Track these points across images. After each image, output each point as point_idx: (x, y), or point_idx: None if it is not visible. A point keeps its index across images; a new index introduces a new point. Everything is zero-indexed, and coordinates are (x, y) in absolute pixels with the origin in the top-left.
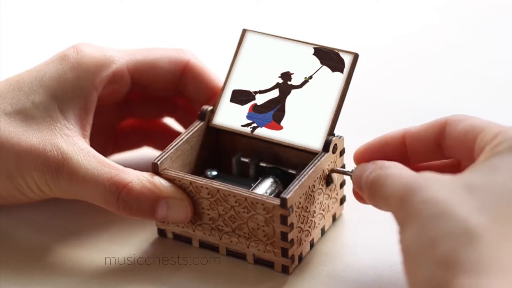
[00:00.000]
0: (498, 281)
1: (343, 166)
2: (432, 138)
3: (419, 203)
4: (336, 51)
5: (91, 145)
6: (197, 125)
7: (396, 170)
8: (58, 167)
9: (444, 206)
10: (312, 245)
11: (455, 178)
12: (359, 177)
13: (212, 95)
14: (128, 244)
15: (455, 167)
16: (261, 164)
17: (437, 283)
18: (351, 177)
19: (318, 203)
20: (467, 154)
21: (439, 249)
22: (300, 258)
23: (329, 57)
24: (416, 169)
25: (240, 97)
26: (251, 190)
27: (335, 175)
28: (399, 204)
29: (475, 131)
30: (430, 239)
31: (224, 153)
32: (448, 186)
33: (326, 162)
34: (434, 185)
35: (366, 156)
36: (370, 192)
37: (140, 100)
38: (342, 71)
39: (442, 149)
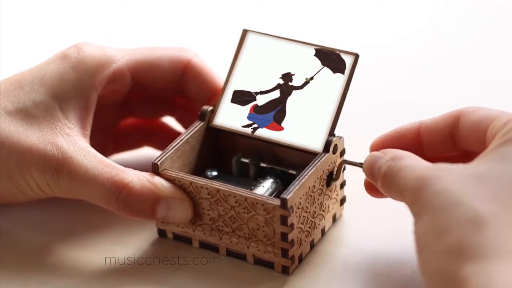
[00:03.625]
0: (505, 266)
1: (344, 167)
2: (446, 130)
3: (432, 195)
4: (337, 52)
5: (91, 145)
6: (198, 125)
7: (409, 162)
8: (58, 166)
9: (455, 196)
10: (312, 245)
11: (466, 168)
12: (371, 167)
13: (213, 95)
14: (128, 244)
15: (468, 159)
16: (261, 164)
17: (448, 271)
18: (362, 169)
19: (318, 204)
20: (480, 144)
21: (449, 238)
22: (300, 259)
23: (330, 58)
24: (431, 160)
25: (241, 97)
26: (251, 190)
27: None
28: (413, 196)
29: (487, 121)
30: (441, 228)
31: (224, 154)
32: (458, 176)
33: (327, 162)
34: (446, 176)
35: (381, 148)
36: (384, 184)
37: (140, 100)
38: (343, 72)
39: (455, 140)
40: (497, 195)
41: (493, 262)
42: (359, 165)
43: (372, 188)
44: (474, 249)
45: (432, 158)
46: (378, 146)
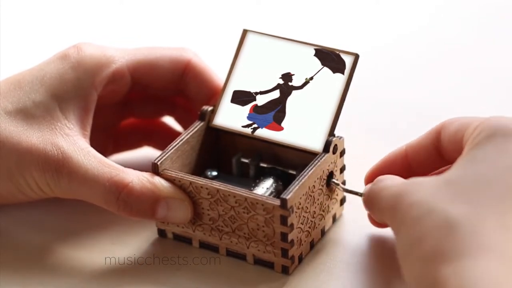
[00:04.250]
0: (479, 261)
1: (344, 167)
2: (431, 146)
3: (406, 208)
4: (337, 52)
5: (91, 145)
6: (197, 125)
7: (387, 182)
8: (58, 166)
9: (427, 204)
10: (312, 245)
11: (438, 178)
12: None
13: (213, 95)
14: (128, 244)
15: None
16: (261, 164)
17: (428, 276)
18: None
19: (318, 204)
20: (460, 153)
21: (425, 245)
22: (300, 259)
23: (330, 58)
24: None
25: (241, 97)
26: (251, 190)
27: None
28: (391, 213)
29: (462, 129)
30: (417, 237)
31: (224, 154)
32: (429, 186)
33: (327, 162)
34: (419, 188)
35: (374, 178)
36: (368, 207)
37: (140, 100)
38: (343, 72)
39: (442, 154)
40: (466, 196)
41: (467, 260)
42: (359, 194)
43: (372, 220)
44: (448, 251)
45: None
46: (372, 177)
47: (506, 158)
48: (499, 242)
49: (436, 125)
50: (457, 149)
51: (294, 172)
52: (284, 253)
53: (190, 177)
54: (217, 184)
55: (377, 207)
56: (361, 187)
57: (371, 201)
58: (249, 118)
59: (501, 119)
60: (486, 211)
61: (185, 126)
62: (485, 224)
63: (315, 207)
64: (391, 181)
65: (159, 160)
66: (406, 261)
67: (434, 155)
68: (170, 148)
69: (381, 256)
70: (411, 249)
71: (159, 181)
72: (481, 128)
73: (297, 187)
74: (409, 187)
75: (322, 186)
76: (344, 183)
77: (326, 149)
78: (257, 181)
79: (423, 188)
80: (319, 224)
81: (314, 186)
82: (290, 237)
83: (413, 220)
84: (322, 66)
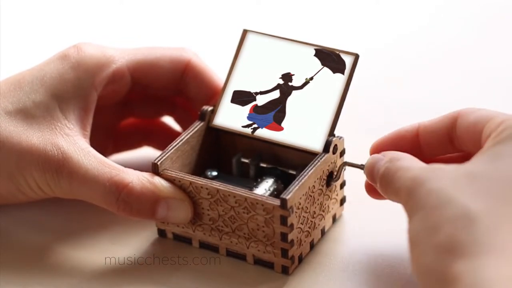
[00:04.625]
0: (494, 261)
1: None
2: (444, 131)
3: (425, 193)
4: (337, 52)
5: (91, 145)
6: (197, 125)
7: (405, 163)
8: (59, 166)
9: (446, 194)
10: (312, 245)
11: (459, 168)
12: (371, 169)
13: (213, 95)
14: (128, 244)
15: (466, 160)
16: (261, 164)
17: (439, 268)
18: (363, 171)
19: (318, 204)
20: (476, 145)
21: (441, 235)
22: (300, 259)
23: (330, 58)
24: (429, 162)
25: (241, 97)
26: (251, 190)
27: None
28: (407, 195)
29: (483, 121)
30: (433, 226)
31: (224, 154)
32: (451, 175)
33: (326, 162)
34: (439, 175)
35: (381, 149)
36: (382, 185)
37: (140, 100)
38: (343, 72)
39: (453, 141)
40: (488, 192)
41: (483, 258)
42: (360, 167)
43: (372, 190)
44: (464, 246)
45: (430, 159)
46: (378, 148)
47: None
48: None
49: (452, 111)
50: (474, 140)
51: (294, 172)
52: (284, 253)
53: (190, 177)
54: (217, 184)
55: (392, 186)
56: (361, 187)
57: (386, 179)
58: (249, 118)
59: None
60: (506, 211)
61: (185, 126)
62: (504, 224)
63: (315, 207)
64: (409, 163)
65: (159, 160)
66: (417, 248)
67: (445, 140)
68: (170, 148)
69: (381, 256)
70: (425, 236)
71: (159, 181)
72: (506, 125)
73: (297, 187)
74: (429, 172)
75: (322, 186)
76: (344, 183)
77: (326, 149)
78: (257, 181)
79: (444, 176)
80: (319, 224)
81: (314, 186)
82: (290, 237)
83: (430, 207)
84: (322, 66)
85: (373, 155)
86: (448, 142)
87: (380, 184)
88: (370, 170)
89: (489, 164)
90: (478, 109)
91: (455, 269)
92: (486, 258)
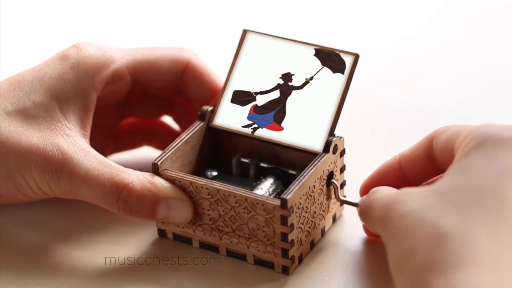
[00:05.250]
0: (470, 274)
1: (344, 167)
2: (424, 155)
3: (397, 219)
4: (337, 52)
5: (91, 145)
6: (197, 125)
7: (380, 194)
8: (59, 166)
9: (417, 216)
10: (312, 245)
11: (427, 188)
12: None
13: (213, 95)
14: (128, 245)
15: None
16: (261, 164)
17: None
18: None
19: (318, 204)
20: (451, 162)
21: (417, 256)
22: (300, 259)
23: (330, 58)
24: None
25: (241, 97)
26: (251, 190)
27: (334, 181)
28: (382, 224)
29: (454, 138)
30: (408, 250)
31: (224, 154)
32: (420, 197)
33: (327, 162)
34: (408, 198)
35: (369, 189)
36: (363, 219)
37: (140, 100)
38: (343, 72)
39: (435, 163)
40: (457, 206)
41: (458, 272)
42: (355, 205)
43: (367, 231)
44: (439, 263)
45: (419, 185)
46: (367, 188)
47: (496, 166)
48: (490, 253)
49: (428, 134)
50: (449, 158)
51: (294, 172)
52: (284, 253)
53: (190, 177)
54: (217, 184)
55: (370, 218)
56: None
57: (364, 212)
58: (249, 118)
59: (491, 127)
60: (476, 222)
61: (185, 126)
62: (476, 235)
63: (315, 207)
64: (383, 192)
65: (159, 160)
66: (398, 273)
67: (427, 164)
68: (170, 148)
69: (381, 256)
70: (402, 261)
71: (159, 181)
72: (470, 137)
73: (297, 187)
74: (398, 197)
75: (322, 186)
76: (344, 183)
77: (326, 149)
78: (257, 181)
79: (412, 199)
80: (319, 224)
81: (314, 186)
82: (290, 237)
83: (403, 231)
84: (322, 66)
85: (362, 198)
86: (431, 166)
87: (360, 218)
88: (358, 212)
89: (455, 179)
90: (449, 127)
91: (434, 285)
92: (462, 271)
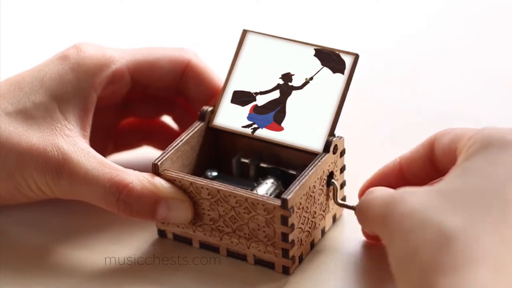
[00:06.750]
0: (475, 275)
1: (344, 167)
2: (425, 158)
3: (399, 218)
4: (337, 52)
5: (91, 145)
6: (197, 125)
7: (378, 193)
8: (59, 167)
9: (421, 215)
10: (312, 245)
11: (430, 188)
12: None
13: (213, 95)
14: (128, 245)
15: None
16: (262, 164)
17: (425, 286)
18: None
19: (318, 204)
20: (454, 164)
21: (422, 256)
22: (301, 259)
23: (330, 58)
24: None
25: (241, 98)
26: (252, 190)
27: (334, 181)
28: (382, 223)
29: (456, 141)
30: (412, 250)
31: (224, 154)
32: (423, 195)
33: (327, 162)
34: (410, 197)
35: None
36: (359, 219)
37: (140, 100)
38: (342, 72)
39: (436, 166)
40: (461, 207)
41: (464, 273)
42: (352, 208)
43: (366, 234)
44: (445, 263)
45: None
46: (366, 190)
47: (499, 169)
48: (495, 254)
49: (429, 136)
50: (451, 161)
51: (294, 172)
52: (285, 253)
53: (190, 177)
54: (217, 185)
55: (368, 217)
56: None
57: (362, 211)
58: (249, 118)
59: (494, 130)
60: (481, 223)
61: (183, 126)
62: (480, 236)
63: (316, 207)
64: (381, 191)
65: (159, 161)
66: (401, 273)
67: (428, 167)
68: (170, 148)
69: (381, 256)
70: (406, 261)
71: (159, 181)
72: (474, 140)
73: (297, 187)
74: (400, 196)
75: (323, 186)
76: (344, 183)
77: (326, 149)
78: (258, 181)
79: (414, 198)
80: (319, 224)
81: (314, 186)
82: (290, 237)
83: (406, 231)
84: (322, 66)
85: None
86: (432, 168)
87: (358, 219)
88: (356, 213)
89: (459, 180)
90: (452, 129)
91: (439, 286)
92: (467, 272)
